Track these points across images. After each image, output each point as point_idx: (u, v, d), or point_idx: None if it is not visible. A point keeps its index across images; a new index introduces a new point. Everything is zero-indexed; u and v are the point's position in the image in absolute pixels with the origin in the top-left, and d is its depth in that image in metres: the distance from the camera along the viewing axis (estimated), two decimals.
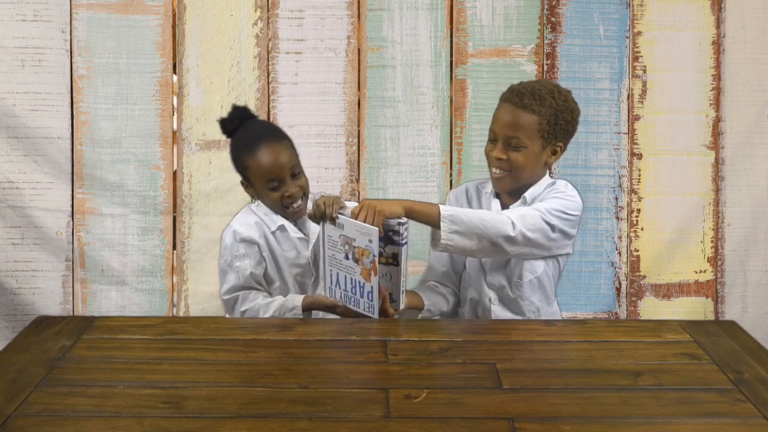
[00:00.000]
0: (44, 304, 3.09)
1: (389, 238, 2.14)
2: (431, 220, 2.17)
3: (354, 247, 2.13)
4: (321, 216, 2.17)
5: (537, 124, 2.27)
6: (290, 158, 2.33)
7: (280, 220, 2.35)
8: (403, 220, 2.13)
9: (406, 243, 2.15)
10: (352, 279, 2.17)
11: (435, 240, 2.20)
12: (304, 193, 2.36)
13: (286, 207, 2.34)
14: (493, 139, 2.32)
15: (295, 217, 2.38)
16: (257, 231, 2.34)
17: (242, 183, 2.40)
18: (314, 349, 2.00)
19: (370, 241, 2.08)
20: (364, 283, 2.15)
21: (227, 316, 2.37)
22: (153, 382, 1.78)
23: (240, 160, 2.35)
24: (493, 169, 2.32)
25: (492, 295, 2.37)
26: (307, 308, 2.30)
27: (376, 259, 2.09)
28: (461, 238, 2.16)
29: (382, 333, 2.07)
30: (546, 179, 2.38)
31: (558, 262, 2.38)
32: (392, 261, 2.17)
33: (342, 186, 3.15)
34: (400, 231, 2.13)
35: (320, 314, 2.33)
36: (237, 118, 2.36)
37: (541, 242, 2.24)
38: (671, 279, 3.19)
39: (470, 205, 2.43)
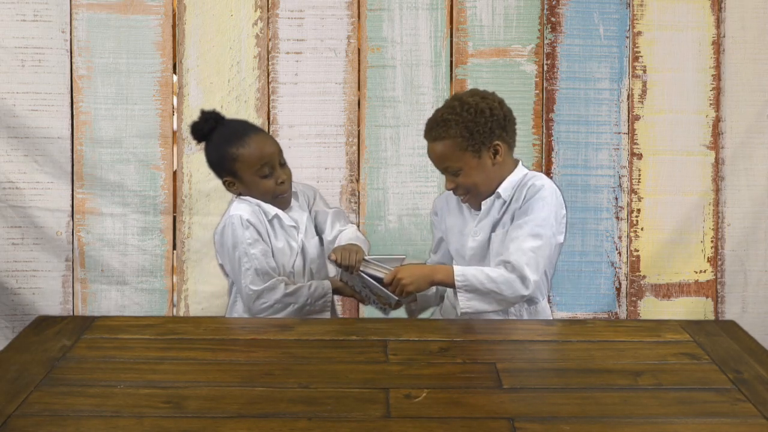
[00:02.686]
0: (44, 304, 3.09)
1: None
2: (451, 285, 2.28)
3: (374, 294, 2.33)
4: (345, 268, 2.31)
5: (455, 145, 2.31)
6: (277, 147, 2.39)
7: (274, 209, 2.37)
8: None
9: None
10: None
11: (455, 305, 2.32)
12: (290, 185, 2.42)
13: (277, 195, 2.37)
14: (442, 173, 2.40)
15: (283, 206, 2.41)
16: (257, 218, 2.34)
17: (225, 182, 2.40)
18: (314, 349, 2.00)
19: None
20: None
21: (248, 308, 2.34)
22: (153, 382, 1.78)
23: (226, 154, 2.34)
24: (456, 195, 2.41)
25: None
26: (335, 293, 2.42)
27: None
28: (479, 303, 2.24)
29: (382, 333, 2.07)
30: (518, 171, 2.38)
31: (550, 256, 2.38)
32: None
33: (342, 186, 3.15)
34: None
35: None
36: (212, 119, 2.38)
37: (547, 268, 2.34)
38: (671, 279, 3.19)
39: (455, 209, 2.47)
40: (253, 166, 2.33)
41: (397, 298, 2.26)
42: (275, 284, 2.32)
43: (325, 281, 2.42)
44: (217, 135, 2.37)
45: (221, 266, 2.45)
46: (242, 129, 2.38)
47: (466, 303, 2.22)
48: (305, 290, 2.35)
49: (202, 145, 2.43)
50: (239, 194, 2.40)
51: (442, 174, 2.39)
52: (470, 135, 2.30)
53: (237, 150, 2.33)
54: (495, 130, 2.32)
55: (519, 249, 2.24)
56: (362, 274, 2.29)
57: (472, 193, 2.36)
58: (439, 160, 2.35)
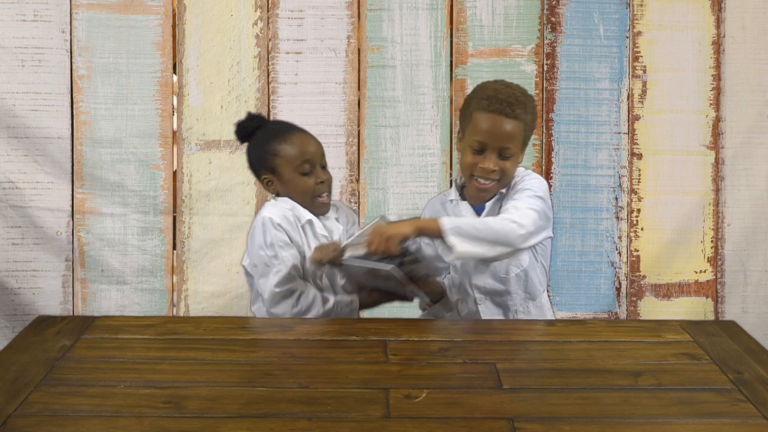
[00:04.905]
0: (44, 304, 3.09)
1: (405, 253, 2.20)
2: (439, 235, 2.14)
3: (381, 276, 2.20)
4: (331, 264, 2.21)
5: (522, 131, 2.28)
6: (320, 148, 2.36)
7: (308, 215, 2.31)
8: (414, 241, 2.18)
9: (421, 257, 2.25)
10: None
11: (448, 252, 2.19)
12: (329, 189, 2.36)
13: (315, 196, 2.31)
14: (479, 150, 2.27)
15: (320, 211, 2.34)
16: (288, 222, 2.29)
17: (264, 180, 2.36)
18: (314, 349, 1.99)
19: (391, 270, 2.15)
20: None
21: (272, 310, 2.27)
22: (153, 382, 1.78)
23: (268, 149, 2.32)
24: (480, 180, 2.29)
25: (478, 295, 2.37)
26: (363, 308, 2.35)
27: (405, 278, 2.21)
28: (473, 247, 2.12)
29: (382, 333, 2.07)
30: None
31: (543, 248, 2.37)
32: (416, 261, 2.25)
33: (342, 186, 3.15)
34: (412, 250, 2.19)
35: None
36: (257, 118, 2.38)
37: (543, 225, 2.23)
38: (671, 279, 3.20)
39: (452, 213, 2.40)
40: (293, 162, 2.29)
41: (390, 264, 2.12)
42: (297, 288, 2.27)
43: (352, 298, 2.34)
44: (261, 133, 2.36)
45: (244, 267, 2.38)
46: (287, 127, 2.37)
47: (460, 247, 2.10)
48: (322, 303, 2.29)
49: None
50: (277, 194, 2.36)
51: (481, 152, 2.26)
52: (531, 127, 2.31)
53: (279, 145, 2.31)
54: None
55: (514, 206, 2.21)
56: (348, 262, 2.17)
57: (501, 182, 2.30)
58: (505, 138, 2.24)
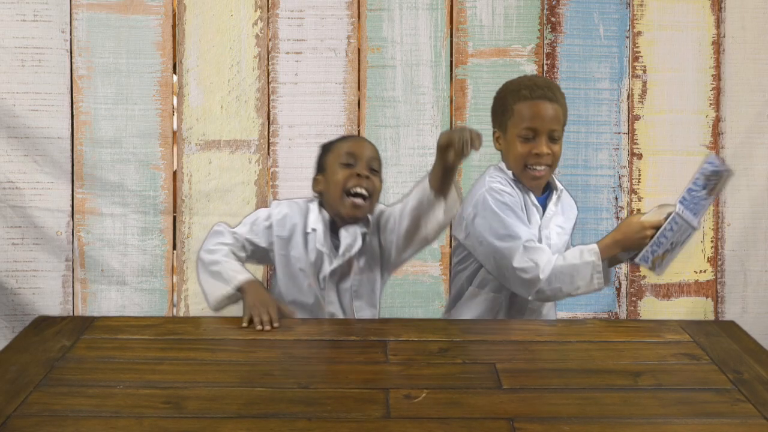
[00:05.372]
0: (44, 304, 3.09)
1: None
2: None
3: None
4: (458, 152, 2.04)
5: (562, 113, 2.42)
6: (373, 152, 2.37)
7: (319, 224, 2.29)
8: None
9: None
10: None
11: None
12: (371, 195, 2.30)
13: (349, 191, 2.26)
14: (529, 138, 2.38)
15: (350, 213, 2.27)
16: (289, 222, 2.32)
17: (314, 180, 2.40)
18: (314, 349, 2.00)
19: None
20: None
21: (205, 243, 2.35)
22: (153, 382, 1.78)
23: (324, 148, 2.41)
24: (536, 167, 2.39)
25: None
26: (242, 293, 2.24)
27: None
28: None
29: (382, 333, 2.07)
30: None
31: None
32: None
33: None
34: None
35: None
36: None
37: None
38: (671, 279, 3.19)
39: (515, 191, 2.44)
40: (339, 155, 2.32)
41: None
42: (221, 246, 2.31)
43: (241, 275, 2.26)
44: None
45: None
46: (350, 135, 2.47)
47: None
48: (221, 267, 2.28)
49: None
50: (318, 194, 2.37)
51: (531, 139, 2.37)
52: (566, 112, 2.45)
53: (333, 143, 2.39)
54: None
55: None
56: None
57: (552, 166, 2.42)
58: (553, 120, 2.38)
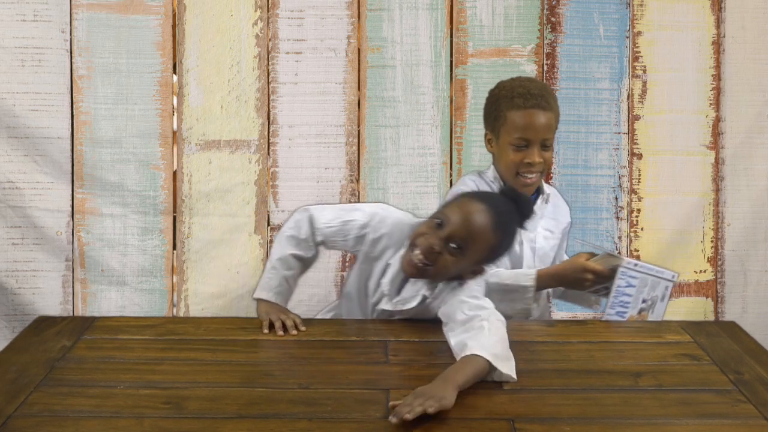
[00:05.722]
0: (44, 304, 3.09)
1: None
2: None
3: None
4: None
5: (554, 121, 2.42)
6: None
7: (397, 263, 2.14)
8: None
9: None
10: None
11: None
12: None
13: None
14: (522, 146, 2.37)
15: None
16: (383, 244, 2.17)
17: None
18: (314, 349, 2.00)
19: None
20: None
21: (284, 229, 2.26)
22: (153, 382, 1.78)
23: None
24: (527, 176, 2.39)
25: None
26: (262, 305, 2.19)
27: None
28: None
29: (382, 334, 2.07)
30: None
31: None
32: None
33: (342, 186, 3.15)
34: None
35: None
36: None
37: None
38: None
39: None
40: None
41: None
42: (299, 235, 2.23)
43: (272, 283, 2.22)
44: None
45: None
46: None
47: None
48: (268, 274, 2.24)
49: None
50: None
51: (524, 147, 2.37)
52: (559, 116, 2.44)
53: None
54: None
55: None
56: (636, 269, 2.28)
57: (543, 174, 2.44)
58: (544, 129, 2.37)
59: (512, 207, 2.06)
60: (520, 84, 2.44)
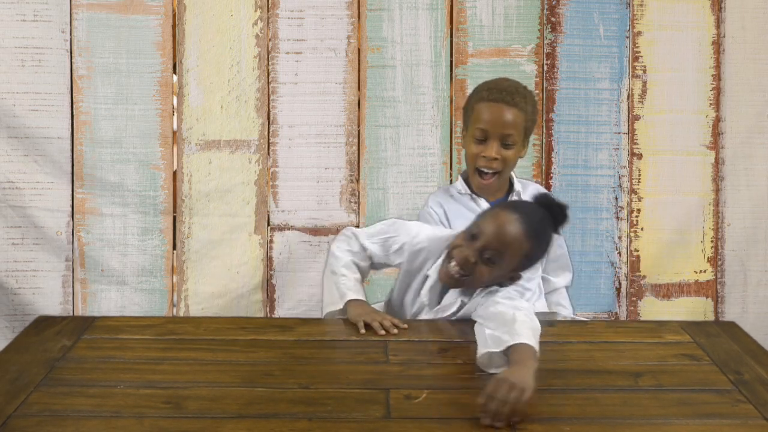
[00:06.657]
0: (44, 304, 3.09)
1: None
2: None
3: None
4: None
5: (523, 121, 2.36)
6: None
7: (435, 274, 2.16)
8: None
9: None
10: None
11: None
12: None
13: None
14: (481, 139, 2.35)
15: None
16: (421, 258, 2.20)
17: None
18: (314, 349, 1.99)
19: None
20: None
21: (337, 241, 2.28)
22: (153, 382, 1.78)
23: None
24: (483, 170, 2.37)
25: None
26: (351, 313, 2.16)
27: None
28: None
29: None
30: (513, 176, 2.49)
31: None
32: None
33: (342, 186, 3.15)
34: None
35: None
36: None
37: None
38: (671, 279, 3.19)
39: (459, 208, 2.43)
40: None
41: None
42: (348, 250, 2.25)
43: (351, 291, 2.20)
44: None
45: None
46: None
47: None
48: (332, 281, 2.23)
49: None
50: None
51: (483, 141, 2.34)
52: (532, 120, 2.38)
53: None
54: (531, 133, 2.42)
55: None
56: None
57: (501, 175, 2.38)
58: (506, 125, 2.33)
59: (545, 214, 2.08)
60: (495, 80, 2.43)
